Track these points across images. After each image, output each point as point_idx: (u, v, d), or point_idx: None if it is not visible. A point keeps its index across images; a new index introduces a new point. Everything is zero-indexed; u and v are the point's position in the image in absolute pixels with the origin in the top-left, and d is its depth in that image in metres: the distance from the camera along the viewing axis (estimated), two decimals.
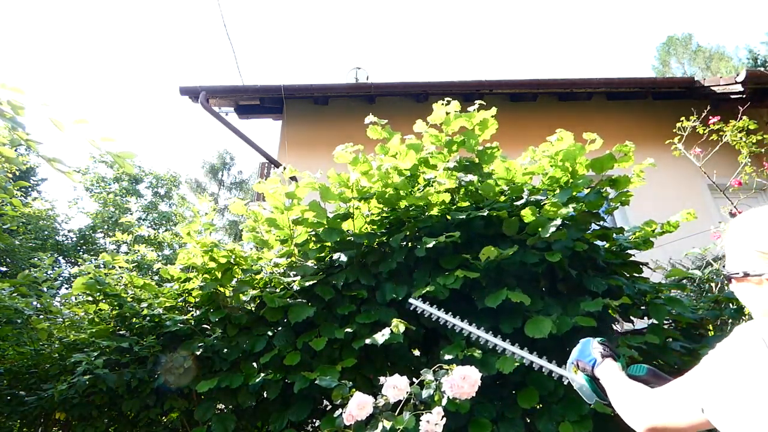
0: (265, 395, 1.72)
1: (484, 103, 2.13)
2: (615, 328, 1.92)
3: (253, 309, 1.99)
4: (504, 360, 1.46)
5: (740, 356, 0.60)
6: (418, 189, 2.06)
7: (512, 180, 2.14)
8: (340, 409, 1.31)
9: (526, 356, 1.22)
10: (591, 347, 1.05)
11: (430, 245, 1.79)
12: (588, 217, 2.02)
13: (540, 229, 1.74)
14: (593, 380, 1.02)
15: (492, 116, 2.10)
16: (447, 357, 1.56)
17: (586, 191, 2.03)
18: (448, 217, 2.00)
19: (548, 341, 1.67)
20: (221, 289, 2.00)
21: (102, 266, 2.62)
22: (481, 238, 1.94)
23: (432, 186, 2.02)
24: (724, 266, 0.81)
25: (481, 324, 1.70)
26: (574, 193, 1.96)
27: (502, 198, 2.08)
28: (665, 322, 1.80)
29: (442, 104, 2.08)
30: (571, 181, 2.01)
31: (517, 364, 1.42)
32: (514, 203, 1.98)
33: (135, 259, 2.84)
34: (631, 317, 1.87)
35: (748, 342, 0.60)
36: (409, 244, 1.95)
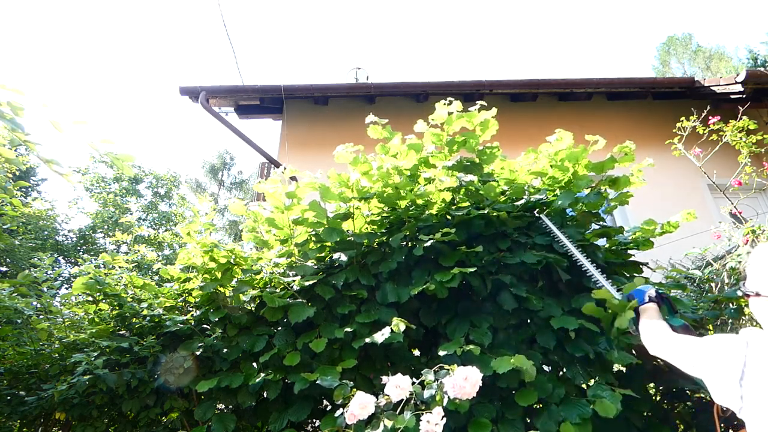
0: (265, 395, 1.72)
1: (485, 104, 2.13)
2: None
3: (253, 309, 1.99)
4: (500, 361, 1.46)
5: (726, 345, 0.83)
6: (418, 188, 2.06)
7: (513, 180, 2.14)
8: (341, 409, 1.31)
9: (596, 274, 1.52)
10: (645, 292, 1.30)
11: (428, 243, 1.79)
12: (588, 217, 2.02)
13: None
14: (636, 315, 1.29)
15: (493, 117, 2.10)
16: (443, 353, 1.56)
17: (587, 191, 2.03)
18: (448, 217, 2.00)
19: (549, 340, 1.67)
20: (221, 289, 2.00)
21: (102, 266, 2.62)
22: (481, 238, 1.94)
23: (432, 184, 2.02)
24: (744, 283, 0.96)
25: (482, 323, 1.71)
26: (576, 194, 1.96)
27: (503, 198, 2.08)
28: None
29: (445, 104, 2.08)
30: (572, 182, 2.02)
31: (512, 364, 1.42)
32: (515, 204, 1.98)
33: (135, 259, 2.85)
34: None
35: (736, 342, 0.82)
36: (409, 243, 1.95)
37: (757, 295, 0.87)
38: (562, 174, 2.05)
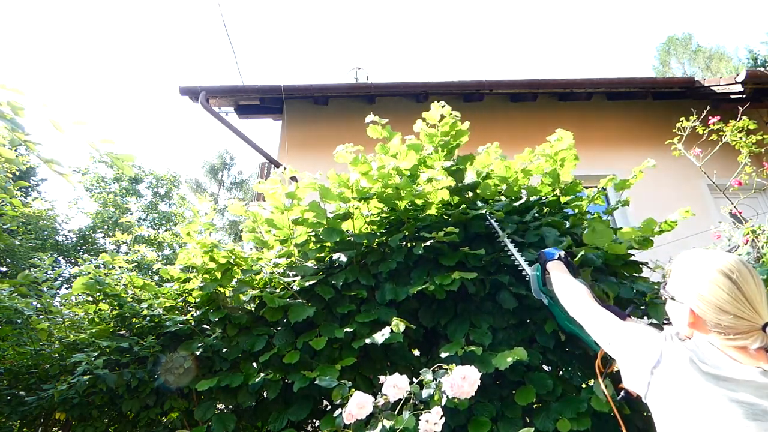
0: (265, 395, 1.72)
1: (458, 114, 2.12)
2: None
3: (253, 309, 2.00)
4: (500, 357, 1.47)
5: (648, 335, 0.92)
6: (417, 188, 2.06)
7: (513, 180, 2.14)
8: (340, 409, 1.32)
9: (515, 254, 1.63)
10: (555, 252, 1.41)
11: (428, 243, 1.79)
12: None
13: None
14: (543, 273, 1.42)
15: (466, 127, 2.13)
16: (444, 355, 1.56)
17: (587, 191, 2.04)
18: (446, 217, 2.00)
19: (548, 340, 1.68)
20: (221, 290, 2.01)
21: (102, 266, 2.62)
22: (480, 238, 1.94)
23: (431, 184, 2.03)
24: (664, 284, 1.01)
25: (481, 323, 1.71)
26: (571, 196, 1.97)
27: (502, 198, 2.08)
28: (664, 321, 1.80)
29: (441, 106, 2.09)
30: (569, 183, 2.02)
31: (512, 361, 1.43)
32: (513, 204, 1.98)
33: (135, 259, 2.85)
34: (631, 317, 1.87)
35: (657, 335, 0.91)
36: (409, 244, 1.95)
37: (672, 299, 0.94)
38: (560, 173, 2.05)
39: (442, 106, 2.07)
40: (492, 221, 1.87)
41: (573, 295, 1.21)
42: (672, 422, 0.79)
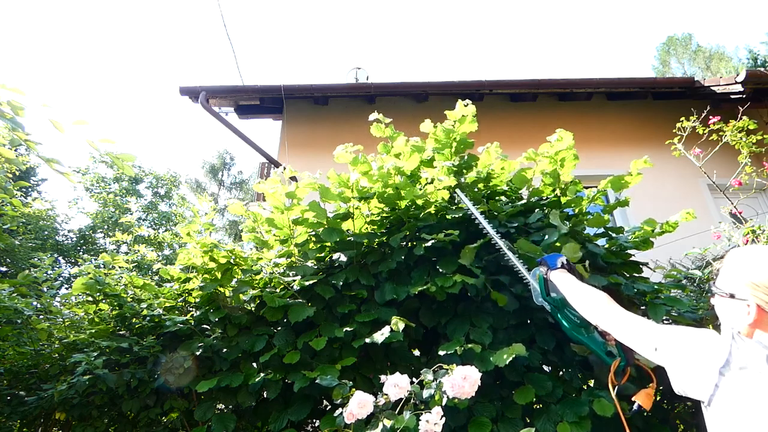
0: (265, 395, 1.72)
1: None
2: None
3: (253, 309, 1.99)
4: (500, 354, 1.47)
5: (710, 336, 0.86)
6: (418, 188, 2.06)
7: (512, 180, 2.14)
8: (340, 409, 1.31)
9: (512, 257, 1.59)
10: (557, 258, 1.35)
11: (429, 243, 1.79)
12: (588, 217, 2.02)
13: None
14: (545, 282, 1.34)
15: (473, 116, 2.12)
16: (443, 353, 1.56)
17: (587, 191, 2.04)
18: (448, 217, 2.00)
19: (548, 341, 1.68)
20: (221, 290, 2.00)
21: (102, 266, 2.62)
22: (481, 238, 1.94)
23: (432, 184, 2.03)
24: (714, 282, 0.96)
25: (482, 323, 1.71)
26: (571, 197, 1.97)
27: (503, 198, 2.08)
28: (664, 321, 1.80)
29: (464, 105, 2.07)
30: (570, 183, 2.02)
31: (510, 358, 1.43)
32: (515, 204, 1.98)
33: (135, 259, 2.85)
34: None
35: (719, 335, 0.86)
36: (409, 243, 1.95)
37: (731, 296, 0.88)
38: (560, 173, 2.05)
39: (466, 105, 2.06)
40: (468, 203, 1.81)
41: (595, 304, 1.14)
42: (754, 425, 0.74)
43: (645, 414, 1.63)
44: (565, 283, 1.26)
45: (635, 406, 1.06)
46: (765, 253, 0.87)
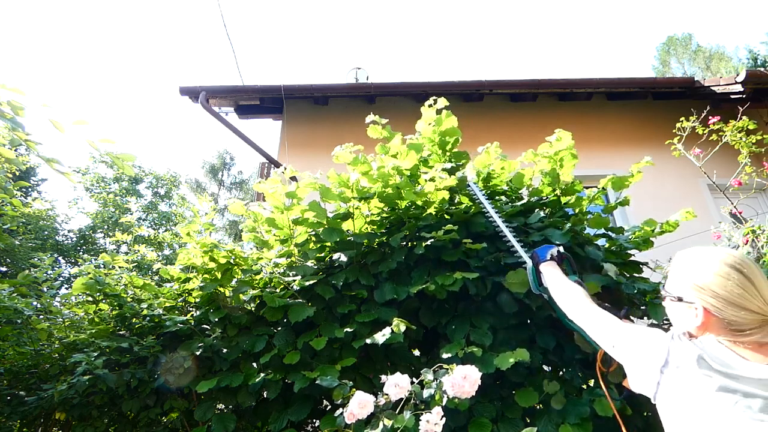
0: (265, 395, 1.72)
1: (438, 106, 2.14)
2: None
3: (253, 309, 1.99)
4: (502, 357, 1.47)
5: (655, 336, 0.89)
6: (417, 188, 2.06)
7: (512, 180, 2.14)
8: (341, 409, 1.31)
9: (509, 235, 1.63)
10: (548, 250, 1.39)
11: (429, 242, 1.79)
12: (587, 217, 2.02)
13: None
14: (537, 272, 1.39)
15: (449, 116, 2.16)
16: (446, 355, 1.56)
17: (587, 191, 2.04)
18: (447, 216, 2.00)
19: (549, 341, 1.67)
20: (221, 290, 2.00)
21: (102, 266, 2.62)
22: (481, 238, 1.94)
23: (432, 183, 2.03)
24: (663, 285, 0.98)
25: (482, 323, 1.71)
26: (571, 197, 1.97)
27: (503, 198, 2.08)
28: (664, 321, 1.80)
29: (430, 106, 2.11)
30: (570, 183, 2.02)
31: (514, 361, 1.43)
32: (515, 204, 1.98)
33: (135, 259, 2.85)
34: (631, 317, 1.87)
35: (663, 335, 0.89)
36: (409, 243, 1.95)
37: (679, 300, 0.90)
38: (560, 173, 2.05)
39: (431, 105, 2.09)
40: (477, 191, 1.85)
41: (570, 298, 1.19)
42: (683, 422, 0.78)
43: (645, 414, 1.63)
44: (549, 277, 1.32)
45: (626, 392, 1.08)
46: (708, 255, 0.88)
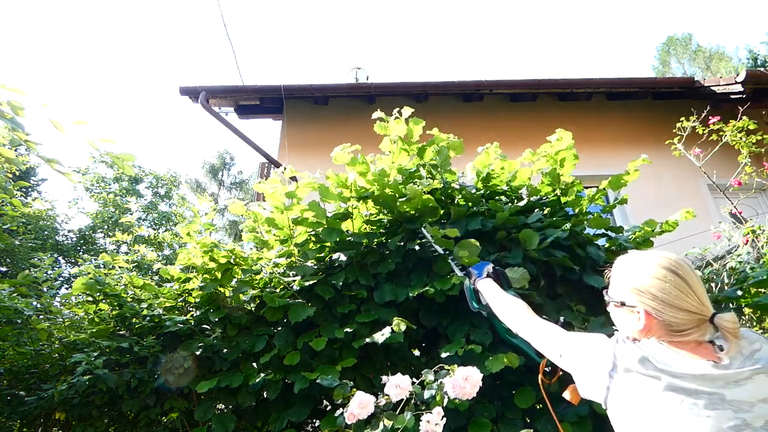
0: (265, 395, 1.72)
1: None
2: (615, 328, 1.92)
3: (253, 309, 1.99)
4: (494, 360, 1.47)
5: (600, 342, 0.90)
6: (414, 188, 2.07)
7: (512, 180, 2.14)
8: (341, 409, 1.31)
9: (454, 266, 1.60)
10: (484, 267, 1.38)
11: (424, 241, 1.79)
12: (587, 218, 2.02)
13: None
14: (474, 290, 1.37)
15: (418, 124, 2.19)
16: (445, 355, 1.56)
17: (587, 191, 2.04)
18: (443, 221, 2.00)
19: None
20: (221, 289, 2.00)
21: (102, 266, 2.62)
22: (481, 237, 1.93)
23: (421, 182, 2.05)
24: (606, 291, 0.99)
25: (480, 324, 1.71)
26: (570, 198, 1.97)
27: (503, 198, 2.08)
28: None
29: (396, 118, 2.14)
30: (570, 183, 2.02)
31: (503, 366, 1.43)
32: (516, 204, 1.98)
33: (135, 259, 2.85)
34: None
35: (607, 340, 0.90)
36: (407, 245, 1.95)
37: (622, 305, 0.91)
38: (561, 172, 2.05)
39: (399, 113, 2.12)
40: (425, 232, 1.82)
41: (512, 312, 1.18)
42: (634, 423, 0.79)
43: None
44: (489, 293, 1.30)
45: (565, 404, 1.08)
46: (645, 259, 0.90)
